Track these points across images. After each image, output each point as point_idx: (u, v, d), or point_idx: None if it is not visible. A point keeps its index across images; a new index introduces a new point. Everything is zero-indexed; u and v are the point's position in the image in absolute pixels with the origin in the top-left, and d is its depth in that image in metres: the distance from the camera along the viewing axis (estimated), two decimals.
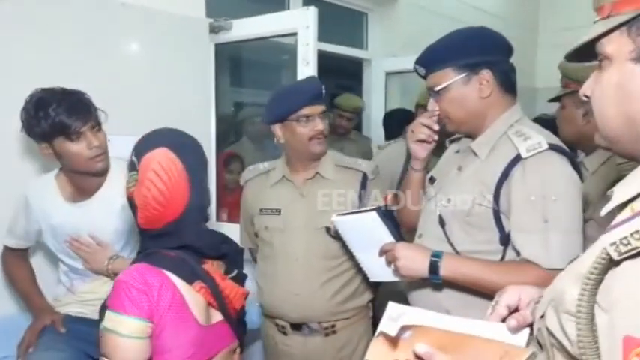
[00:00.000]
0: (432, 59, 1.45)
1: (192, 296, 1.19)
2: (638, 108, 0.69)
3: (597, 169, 1.81)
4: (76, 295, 1.79)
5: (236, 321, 1.33)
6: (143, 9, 2.29)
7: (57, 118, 1.55)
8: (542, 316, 0.75)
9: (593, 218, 1.54)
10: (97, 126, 1.65)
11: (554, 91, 2.04)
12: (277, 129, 1.80)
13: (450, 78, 1.41)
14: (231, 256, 1.33)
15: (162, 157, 1.19)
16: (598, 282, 0.62)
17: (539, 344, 0.78)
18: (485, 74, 1.40)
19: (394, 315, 0.86)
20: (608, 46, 0.72)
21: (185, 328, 1.17)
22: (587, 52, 0.77)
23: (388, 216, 1.53)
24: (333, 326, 1.82)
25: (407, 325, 0.77)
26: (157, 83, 2.37)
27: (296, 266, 1.80)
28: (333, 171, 1.82)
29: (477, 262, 1.37)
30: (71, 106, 1.58)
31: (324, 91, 1.79)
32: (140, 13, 2.29)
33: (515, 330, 0.82)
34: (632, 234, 0.59)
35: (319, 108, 1.76)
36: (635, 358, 0.56)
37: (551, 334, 0.71)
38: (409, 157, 1.65)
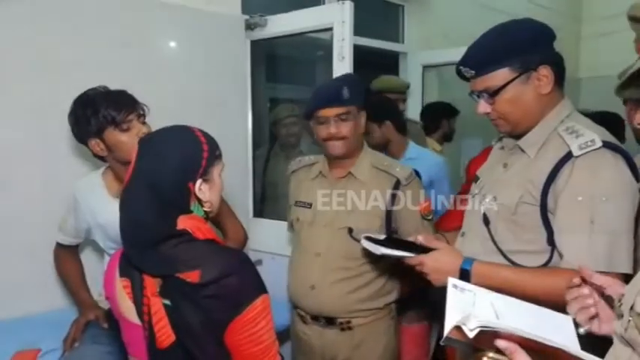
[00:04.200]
0: (483, 60, 1.36)
1: (121, 289, 1.24)
2: None
3: None
4: None
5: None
6: (180, 7, 2.32)
7: (105, 111, 1.62)
8: (631, 308, 0.75)
9: None
10: (143, 117, 1.70)
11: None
12: (312, 125, 1.86)
13: (506, 78, 1.34)
14: (175, 284, 1.15)
15: None
16: None
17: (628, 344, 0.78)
18: (544, 70, 1.33)
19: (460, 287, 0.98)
20: None
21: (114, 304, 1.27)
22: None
23: (395, 241, 1.49)
24: (348, 322, 1.83)
25: (486, 328, 0.78)
26: (194, 80, 2.40)
27: (316, 260, 1.82)
28: (367, 172, 1.82)
29: (509, 268, 1.33)
30: (116, 99, 1.65)
31: (345, 92, 1.74)
32: (177, 11, 2.32)
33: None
34: None
35: (334, 111, 1.75)
36: None
37: None
38: None
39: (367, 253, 1.69)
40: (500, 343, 0.79)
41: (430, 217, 1.81)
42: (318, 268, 1.82)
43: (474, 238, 1.46)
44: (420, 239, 1.47)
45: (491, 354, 0.81)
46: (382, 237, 1.53)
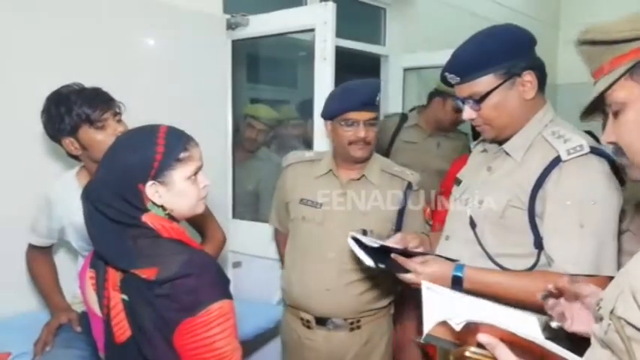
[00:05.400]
0: (468, 67, 1.36)
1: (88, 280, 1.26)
2: None
3: None
4: None
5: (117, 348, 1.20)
6: (161, 5, 2.29)
7: (79, 109, 1.57)
8: (611, 312, 0.76)
9: (629, 229, 1.47)
10: (119, 115, 1.67)
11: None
12: (328, 124, 1.85)
13: (492, 84, 1.34)
14: (132, 280, 1.14)
15: None
16: None
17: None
18: (528, 75, 1.35)
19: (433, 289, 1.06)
20: (618, 94, 0.86)
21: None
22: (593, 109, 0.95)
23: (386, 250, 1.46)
24: (358, 321, 1.84)
25: (471, 322, 0.82)
26: (174, 79, 2.37)
27: (329, 262, 1.80)
28: (378, 176, 1.84)
29: (501, 273, 1.34)
30: (91, 96, 1.61)
31: (378, 97, 1.79)
32: (158, 9, 2.28)
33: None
34: None
35: (366, 115, 1.76)
36: None
37: (630, 324, 0.72)
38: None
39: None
40: (482, 338, 0.80)
41: (430, 223, 1.84)
42: (332, 270, 1.80)
43: (459, 241, 1.46)
44: (410, 243, 1.47)
45: (472, 349, 0.82)
46: (374, 245, 1.44)
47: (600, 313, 0.79)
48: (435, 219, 1.91)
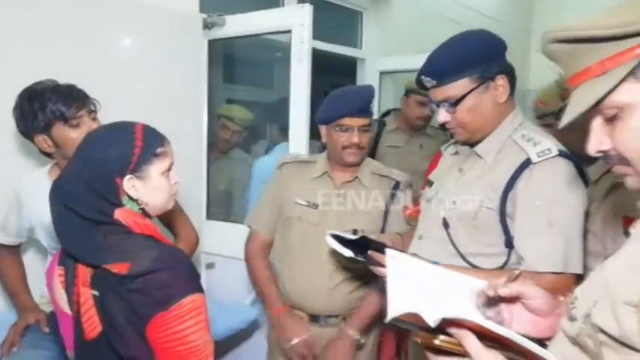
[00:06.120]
0: (444, 70, 1.39)
1: (57, 277, 1.26)
2: None
3: (600, 177, 1.79)
4: None
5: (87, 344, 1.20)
6: (136, 3, 2.27)
7: (54, 106, 1.55)
8: (587, 316, 0.76)
9: (590, 230, 1.53)
10: (94, 113, 1.64)
11: None
12: (323, 129, 1.88)
13: (467, 88, 1.38)
14: (103, 275, 1.14)
15: None
16: None
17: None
18: (501, 80, 1.39)
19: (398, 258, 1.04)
20: (621, 97, 0.76)
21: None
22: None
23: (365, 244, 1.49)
24: (349, 317, 1.86)
25: (447, 318, 0.81)
26: (150, 78, 2.35)
27: (324, 262, 1.83)
28: (369, 178, 1.89)
29: (473, 271, 1.36)
30: (66, 94, 1.59)
31: (372, 103, 1.84)
32: (133, 7, 2.26)
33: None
34: None
35: (360, 121, 1.80)
36: None
37: (601, 330, 0.73)
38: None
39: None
40: (452, 329, 0.81)
41: (414, 224, 1.86)
42: (326, 269, 1.83)
43: (432, 241, 1.49)
44: (389, 242, 1.48)
45: (441, 337, 0.82)
46: (353, 237, 1.53)
47: (574, 313, 0.80)
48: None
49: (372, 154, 3.00)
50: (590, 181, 1.72)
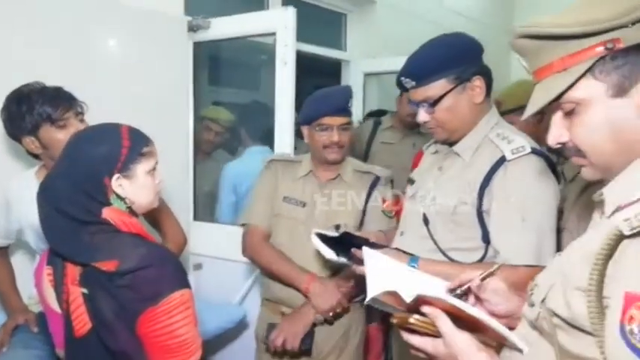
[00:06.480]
0: (423, 72, 1.44)
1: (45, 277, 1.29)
2: (629, 134, 0.78)
3: (575, 176, 1.85)
4: None
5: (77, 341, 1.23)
6: (121, 6, 2.28)
7: (41, 107, 1.57)
8: (543, 301, 0.80)
9: (566, 228, 1.58)
10: (81, 115, 1.67)
11: None
12: (305, 129, 1.93)
13: (444, 89, 1.42)
14: (92, 273, 1.17)
15: None
16: (608, 257, 0.69)
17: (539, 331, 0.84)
18: (477, 81, 1.44)
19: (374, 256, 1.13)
20: (578, 93, 0.80)
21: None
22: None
23: (347, 240, 1.52)
24: (339, 314, 1.88)
25: (421, 295, 0.86)
26: (135, 81, 2.36)
27: (312, 258, 1.86)
28: (351, 175, 1.94)
29: (451, 264, 1.42)
30: (53, 95, 1.61)
31: (350, 103, 1.88)
32: (118, 9, 2.28)
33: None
34: None
35: (340, 120, 1.85)
36: (634, 310, 0.63)
37: (554, 314, 0.77)
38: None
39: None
40: (426, 309, 0.86)
41: (391, 215, 1.89)
42: (315, 266, 1.86)
43: (413, 236, 1.53)
44: (372, 238, 1.52)
45: (416, 316, 0.87)
46: (336, 234, 1.56)
47: (533, 299, 0.85)
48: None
49: (367, 150, 3.09)
50: (565, 178, 1.79)
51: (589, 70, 0.78)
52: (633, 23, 0.75)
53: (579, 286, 0.72)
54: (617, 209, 0.73)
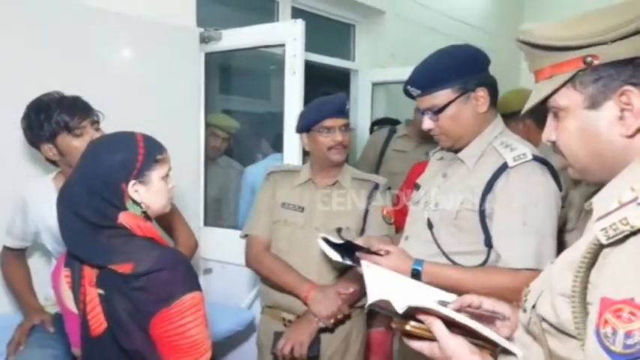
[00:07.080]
0: (428, 82, 1.49)
1: (63, 278, 1.34)
2: (600, 145, 0.83)
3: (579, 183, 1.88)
4: None
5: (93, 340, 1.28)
6: (135, 19, 2.36)
7: (59, 116, 1.64)
8: (533, 307, 0.84)
9: (577, 228, 1.63)
10: (97, 124, 1.73)
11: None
12: (304, 137, 1.99)
13: (449, 98, 1.48)
14: (109, 275, 1.22)
15: None
16: (590, 265, 0.72)
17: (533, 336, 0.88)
18: (481, 91, 1.49)
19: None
20: (560, 100, 0.87)
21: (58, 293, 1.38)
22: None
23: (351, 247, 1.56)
24: (340, 320, 1.90)
25: (412, 306, 0.90)
26: (148, 91, 2.43)
27: (311, 264, 1.90)
28: (349, 182, 1.98)
29: (455, 268, 1.47)
30: (70, 104, 1.68)
31: (347, 106, 1.96)
32: (133, 23, 2.35)
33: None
34: (620, 220, 0.70)
35: (340, 121, 1.91)
36: (608, 314, 0.66)
37: (543, 319, 0.81)
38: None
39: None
40: (421, 316, 0.91)
41: (390, 222, 1.94)
42: (314, 272, 1.90)
43: (417, 241, 1.58)
44: (375, 244, 1.55)
45: (412, 322, 0.92)
46: (340, 241, 1.60)
47: (525, 305, 0.89)
48: (397, 217, 2.01)
49: (380, 157, 3.13)
50: (569, 185, 1.83)
51: (570, 80, 0.84)
52: (613, 41, 0.79)
53: (563, 292, 0.76)
54: (598, 219, 0.76)
